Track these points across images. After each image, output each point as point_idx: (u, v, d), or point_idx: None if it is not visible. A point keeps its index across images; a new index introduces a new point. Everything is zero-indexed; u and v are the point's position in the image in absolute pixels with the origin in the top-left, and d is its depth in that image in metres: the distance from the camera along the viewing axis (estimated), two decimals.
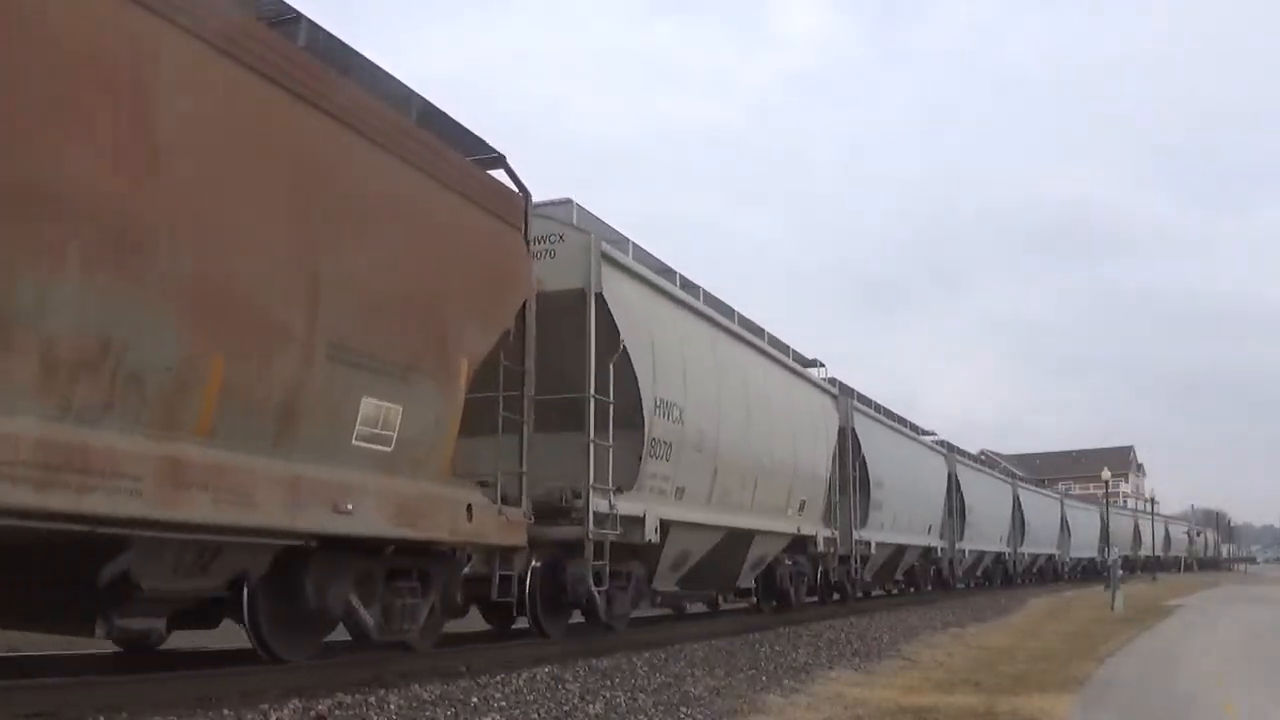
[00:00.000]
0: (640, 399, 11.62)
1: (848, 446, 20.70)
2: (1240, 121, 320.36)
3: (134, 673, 7.48)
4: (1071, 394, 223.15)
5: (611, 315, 11.18)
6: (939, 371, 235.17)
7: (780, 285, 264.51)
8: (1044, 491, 48.26)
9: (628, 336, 11.36)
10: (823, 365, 20.30)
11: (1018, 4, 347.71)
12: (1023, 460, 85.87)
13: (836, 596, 21.36)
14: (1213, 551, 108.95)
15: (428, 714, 7.24)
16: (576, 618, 12.07)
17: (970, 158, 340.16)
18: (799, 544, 17.99)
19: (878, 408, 24.60)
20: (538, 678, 8.78)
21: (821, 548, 18.85)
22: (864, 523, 21.35)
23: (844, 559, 20.47)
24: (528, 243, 9.68)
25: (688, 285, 14.16)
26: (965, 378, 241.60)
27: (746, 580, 16.54)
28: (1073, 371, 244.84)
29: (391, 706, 7.13)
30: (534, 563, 10.65)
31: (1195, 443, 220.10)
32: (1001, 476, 39.69)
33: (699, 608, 18.38)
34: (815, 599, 20.62)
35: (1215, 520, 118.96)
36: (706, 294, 14.83)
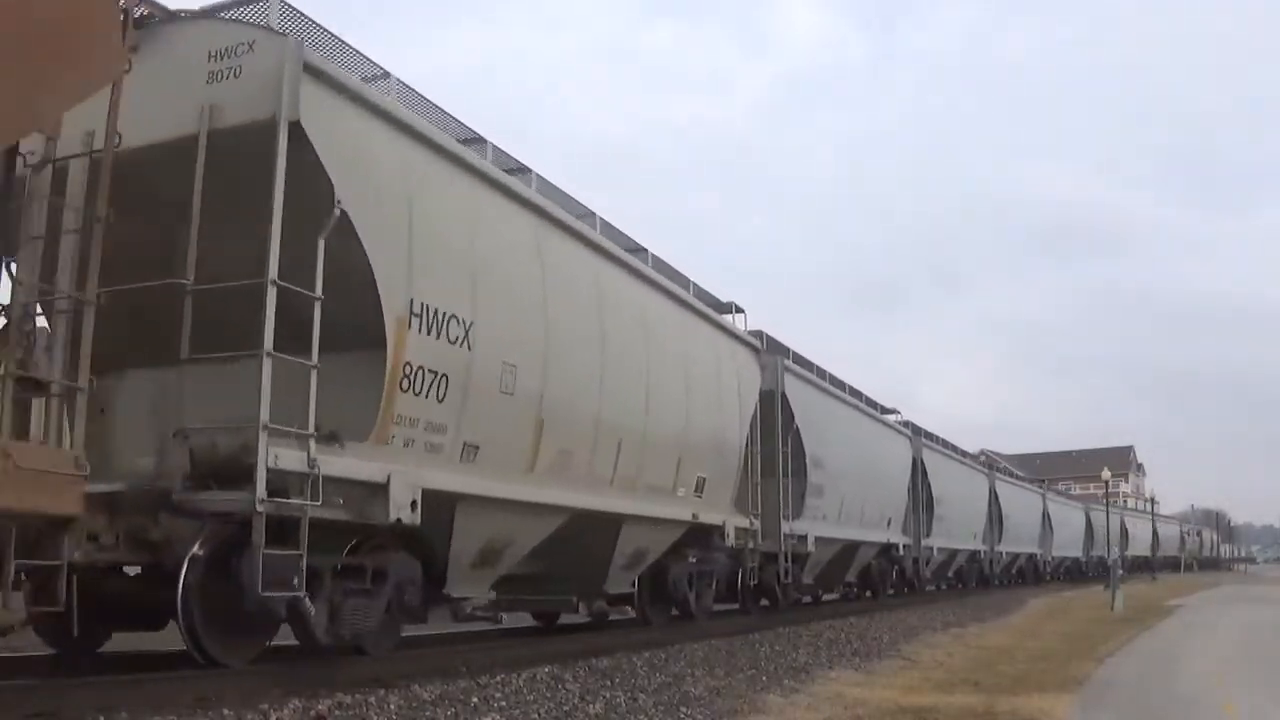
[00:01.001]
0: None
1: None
2: (1240, 122, 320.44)
3: (134, 673, 7.48)
4: (1071, 394, 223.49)
5: (319, 157, 7.44)
6: (939, 372, 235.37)
7: (778, 285, 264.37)
8: (1025, 485, 44.90)
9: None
10: (742, 311, 16.11)
11: (1018, 5, 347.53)
12: (1023, 460, 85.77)
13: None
14: (1212, 551, 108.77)
15: (428, 714, 7.24)
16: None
17: (970, 158, 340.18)
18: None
19: (821, 372, 20.33)
20: (538, 678, 8.78)
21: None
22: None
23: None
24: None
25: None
26: (965, 378, 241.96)
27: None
28: (1073, 371, 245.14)
29: (391, 706, 7.14)
30: (195, 549, 7.23)
31: (1195, 443, 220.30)
32: (977, 465, 36.22)
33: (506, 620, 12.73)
34: (737, 606, 16.96)
35: (1215, 520, 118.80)
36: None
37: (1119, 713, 10.60)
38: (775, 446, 17.17)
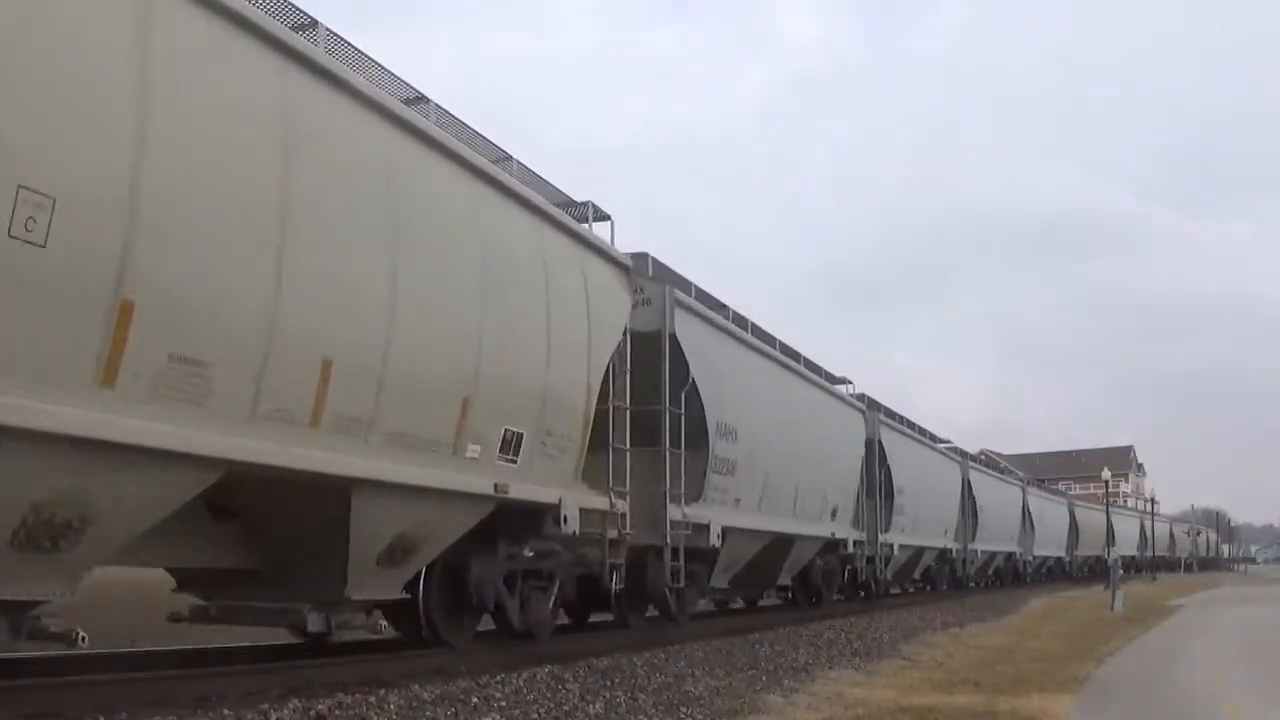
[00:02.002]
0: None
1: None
2: (1240, 123, 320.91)
3: (134, 673, 7.49)
4: (1071, 395, 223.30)
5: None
6: (938, 372, 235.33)
7: (776, 286, 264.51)
8: (1001, 476, 39.62)
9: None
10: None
11: (1011, 7, 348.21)
12: (1023, 460, 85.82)
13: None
14: (1213, 551, 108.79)
15: (428, 714, 7.25)
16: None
17: (969, 158, 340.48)
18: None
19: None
20: (538, 678, 8.79)
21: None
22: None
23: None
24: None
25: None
26: (963, 379, 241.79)
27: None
28: (1072, 372, 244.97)
29: (391, 706, 7.14)
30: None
31: (1195, 443, 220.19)
32: (948, 453, 31.84)
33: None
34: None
35: (1215, 520, 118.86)
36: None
37: (1119, 713, 10.62)
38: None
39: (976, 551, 33.17)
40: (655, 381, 12.47)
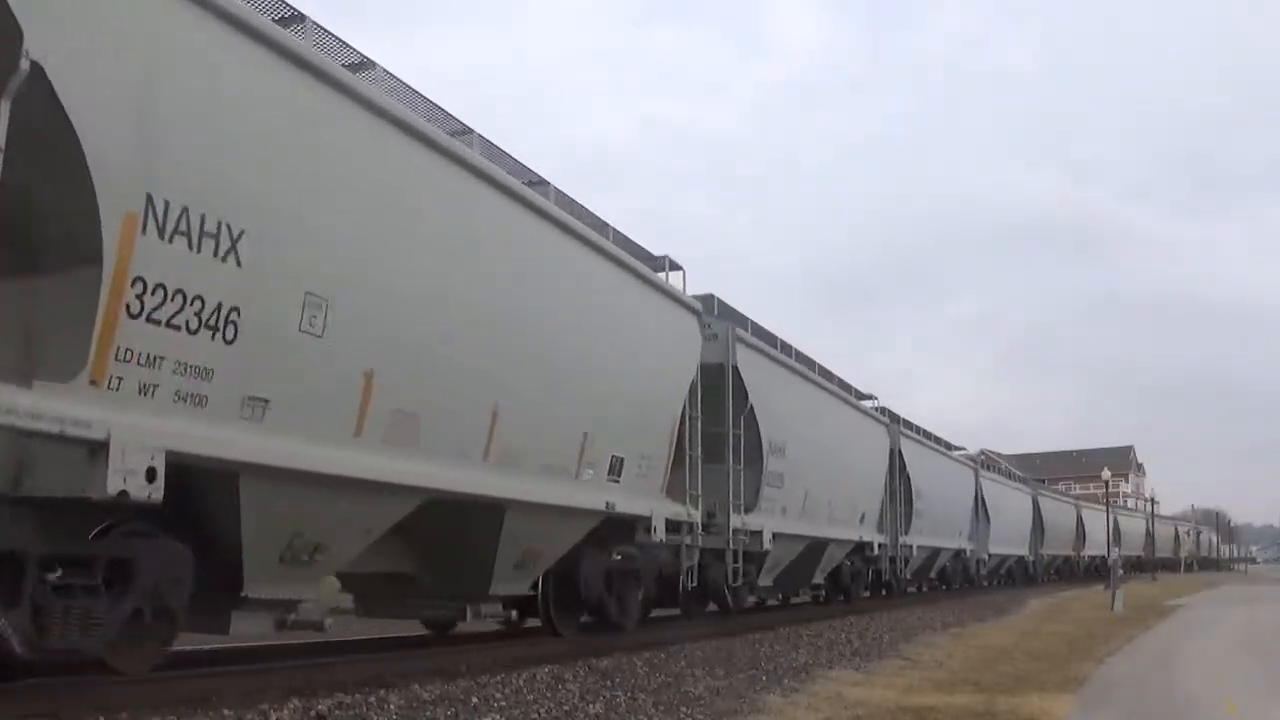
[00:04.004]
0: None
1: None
2: (1239, 122, 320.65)
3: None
4: (1071, 394, 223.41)
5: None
6: (935, 373, 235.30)
7: (773, 285, 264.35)
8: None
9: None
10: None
11: (1005, 10, 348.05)
12: (1022, 460, 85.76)
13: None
14: (1213, 551, 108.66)
15: (428, 714, 7.25)
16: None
17: (967, 159, 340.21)
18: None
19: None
20: (538, 677, 8.79)
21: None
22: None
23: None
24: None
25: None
26: (961, 380, 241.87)
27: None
28: (1072, 373, 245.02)
29: (391, 706, 7.14)
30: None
31: (1195, 443, 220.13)
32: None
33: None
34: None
35: (1215, 520, 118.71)
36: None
37: (1120, 712, 10.61)
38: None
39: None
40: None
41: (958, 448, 33.04)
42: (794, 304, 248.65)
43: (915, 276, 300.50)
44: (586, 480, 10.72)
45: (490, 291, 8.85)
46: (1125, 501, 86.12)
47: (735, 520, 14.45)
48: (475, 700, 7.75)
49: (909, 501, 24.95)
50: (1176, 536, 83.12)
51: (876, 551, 22.31)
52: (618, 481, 11.35)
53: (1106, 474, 48.53)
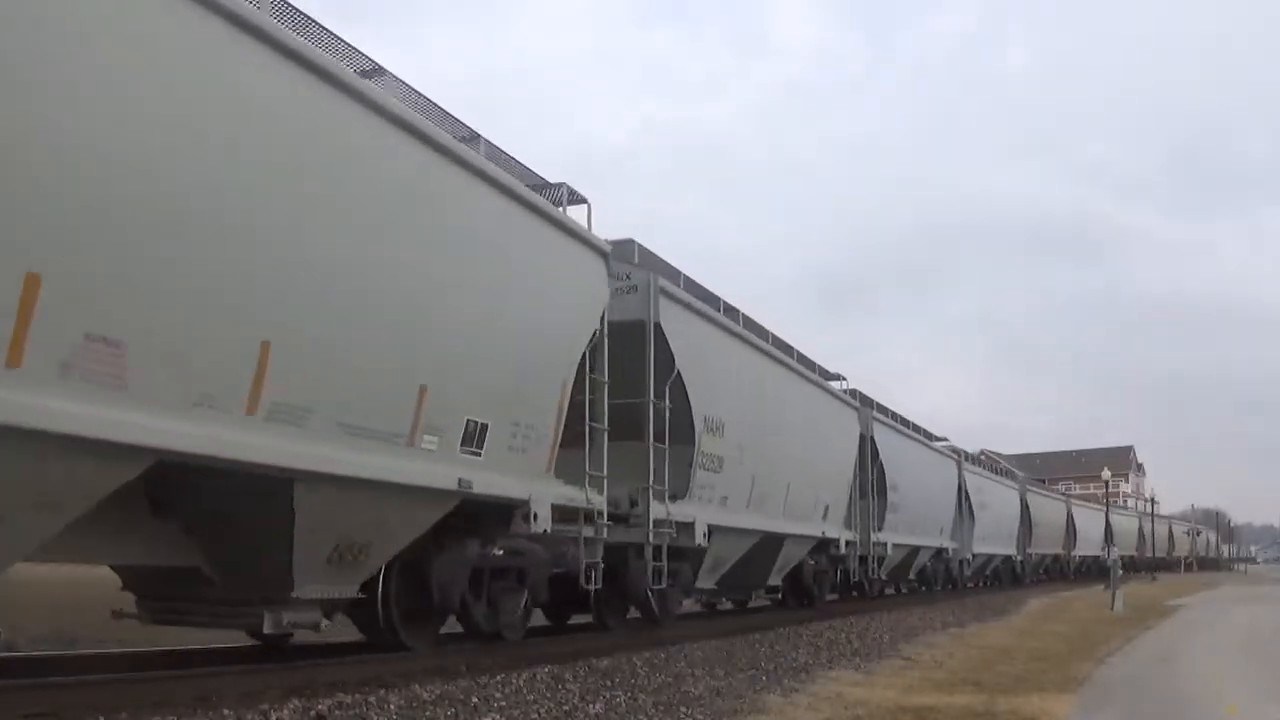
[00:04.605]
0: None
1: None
2: (1239, 122, 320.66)
3: (134, 672, 7.48)
4: (1071, 394, 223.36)
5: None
6: (934, 374, 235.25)
7: (768, 286, 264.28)
8: (918, 437, 27.48)
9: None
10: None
11: (1005, 10, 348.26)
12: (1024, 460, 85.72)
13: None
14: (1213, 551, 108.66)
15: (428, 714, 7.24)
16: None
17: (966, 159, 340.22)
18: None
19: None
20: (538, 678, 8.78)
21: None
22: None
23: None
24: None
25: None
26: (961, 380, 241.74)
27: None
28: (1073, 372, 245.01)
29: (391, 706, 7.13)
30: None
31: (1195, 443, 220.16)
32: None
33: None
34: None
35: (1215, 520, 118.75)
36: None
37: (1120, 712, 10.61)
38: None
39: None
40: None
41: (940, 438, 30.14)
42: (793, 304, 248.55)
43: (915, 276, 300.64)
44: (428, 450, 8.24)
45: (250, 189, 6.47)
46: (1125, 501, 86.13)
47: (658, 510, 12.02)
48: (475, 700, 7.74)
49: (883, 495, 22.47)
50: (1170, 536, 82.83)
51: (843, 549, 19.86)
52: (478, 455, 8.86)
53: (1106, 474, 48.67)
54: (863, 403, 22.01)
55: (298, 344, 6.84)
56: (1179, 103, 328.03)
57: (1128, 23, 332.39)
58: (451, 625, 10.28)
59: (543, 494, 9.84)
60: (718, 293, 14.69)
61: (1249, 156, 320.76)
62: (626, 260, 12.33)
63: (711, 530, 13.43)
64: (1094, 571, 50.27)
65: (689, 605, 16.14)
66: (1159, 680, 13.06)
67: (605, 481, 11.04)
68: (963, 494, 30.95)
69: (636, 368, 12.03)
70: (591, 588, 10.96)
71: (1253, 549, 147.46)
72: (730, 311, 15.04)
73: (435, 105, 8.78)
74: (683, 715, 8.68)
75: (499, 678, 8.49)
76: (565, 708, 8.15)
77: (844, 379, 21.16)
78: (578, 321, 10.66)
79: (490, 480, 9.01)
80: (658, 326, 12.26)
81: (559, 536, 10.30)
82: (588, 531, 10.75)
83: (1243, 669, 14.39)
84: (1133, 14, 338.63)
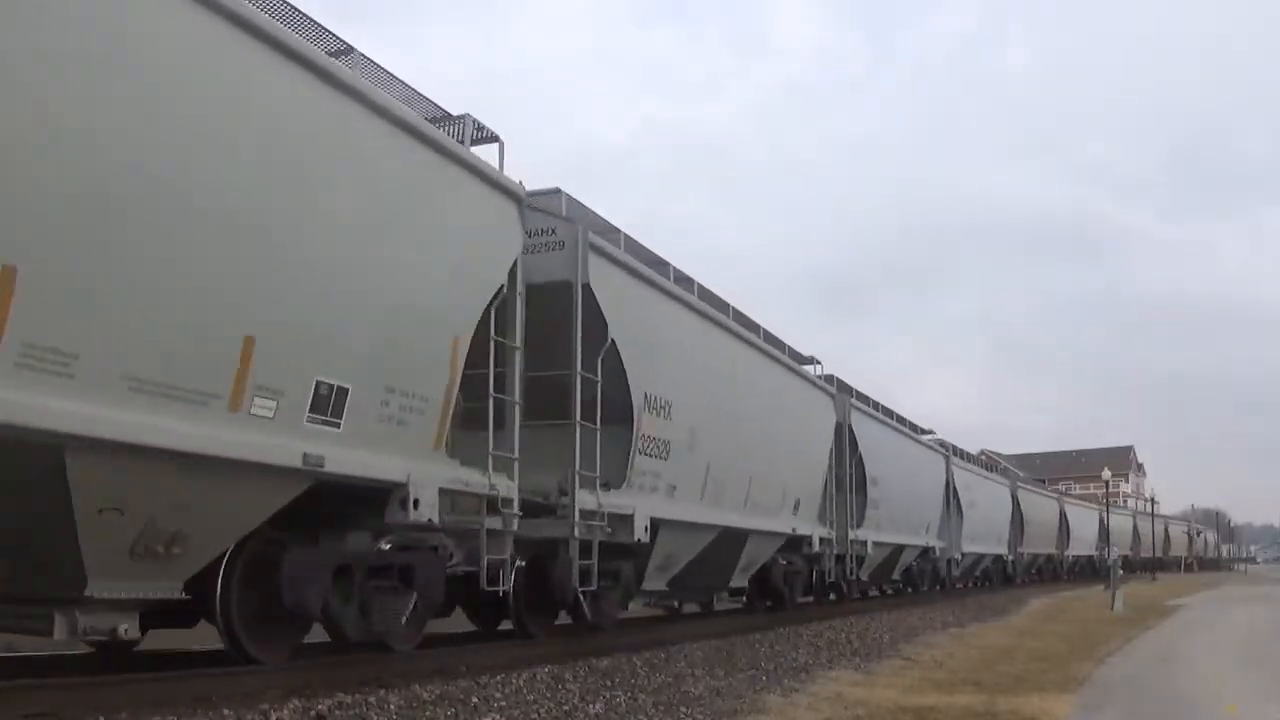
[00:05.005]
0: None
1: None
2: (1238, 122, 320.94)
3: (134, 673, 7.47)
4: (1071, 395, 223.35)
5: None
6: (933, 374, 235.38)
7: (772, 285, 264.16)
8: (902, 428, 25.48)
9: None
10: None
11: (1005, 10, 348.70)
12: (1024, 460, 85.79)
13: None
14: (1213, 551, 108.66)
15: (428, 714, 7.24)
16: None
17: (966, 159, 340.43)
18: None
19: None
20: (538, 678, 8.78)
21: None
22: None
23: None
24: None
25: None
26: (961, 380, 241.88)
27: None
28: (1073, 372, 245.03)
29: (391, 706, 7.13)
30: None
31: (1195, 443, 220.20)
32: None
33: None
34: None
35: (1215, 520, 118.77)
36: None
37: (1120, 712, 10.61)
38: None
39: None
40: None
41: (926, 431, 28.40)
42: (793, 304, 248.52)
43: (914, 276, 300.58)
44: (261, 418, 6.69)
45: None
46: (1125, 501, 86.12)
47: (586, 499, 10.30)
48: (475, 700, 7.74)
49: (862, 489, 20.44)
50: (1167, 535, 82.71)
51: (817, 547, 18.07)
52: (336, 425, 7.30)
53: (1107, 474, 48.64)
54: (840, 389, 20.16)
55: (58, 267, 5.34)
56: (1179, 103, 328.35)
57: (1128, 23, 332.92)
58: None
59: (427, 476, 8.15)
60: (715, 288, 13.82)
61: (1249, 156, 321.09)
62: (551, 211, 10.73)
63: (657, 524, 11.68)
64: (1087, 572, 49.64)
65: (641, 609, 14.49)
66: (1159, 680, 13.06)
67: (517, 465, 9.29)
68: (951, 490, 29.12)
69: (565, 337, 10.41)
70: (500, 589, 9.17)
71: (1253, 549, 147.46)
72: (684, 281, 13.20)
73: (299, 11, 7.28)
74: (683, 715, 8.68)
75: (499, 678, 8.49)
76: (565, 708, 8.15)
77: (819, 363, 19.24)
78: (479, 274, 8.99)
79: (352, 458, 7.38)
80: (586, 287, 10.51)
81: (461, 528, 8.82)
82: (493, 523, 8.96)
83: (1243, 669, 14.38)
84: (1133, 14, 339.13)
